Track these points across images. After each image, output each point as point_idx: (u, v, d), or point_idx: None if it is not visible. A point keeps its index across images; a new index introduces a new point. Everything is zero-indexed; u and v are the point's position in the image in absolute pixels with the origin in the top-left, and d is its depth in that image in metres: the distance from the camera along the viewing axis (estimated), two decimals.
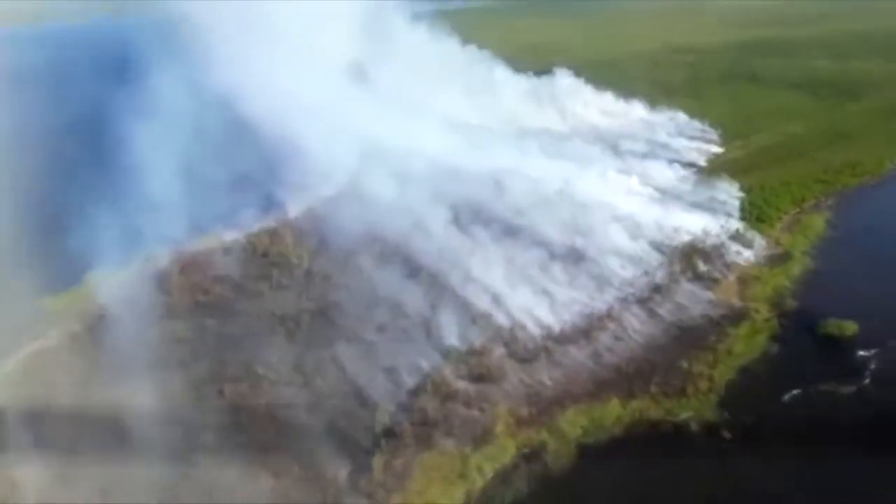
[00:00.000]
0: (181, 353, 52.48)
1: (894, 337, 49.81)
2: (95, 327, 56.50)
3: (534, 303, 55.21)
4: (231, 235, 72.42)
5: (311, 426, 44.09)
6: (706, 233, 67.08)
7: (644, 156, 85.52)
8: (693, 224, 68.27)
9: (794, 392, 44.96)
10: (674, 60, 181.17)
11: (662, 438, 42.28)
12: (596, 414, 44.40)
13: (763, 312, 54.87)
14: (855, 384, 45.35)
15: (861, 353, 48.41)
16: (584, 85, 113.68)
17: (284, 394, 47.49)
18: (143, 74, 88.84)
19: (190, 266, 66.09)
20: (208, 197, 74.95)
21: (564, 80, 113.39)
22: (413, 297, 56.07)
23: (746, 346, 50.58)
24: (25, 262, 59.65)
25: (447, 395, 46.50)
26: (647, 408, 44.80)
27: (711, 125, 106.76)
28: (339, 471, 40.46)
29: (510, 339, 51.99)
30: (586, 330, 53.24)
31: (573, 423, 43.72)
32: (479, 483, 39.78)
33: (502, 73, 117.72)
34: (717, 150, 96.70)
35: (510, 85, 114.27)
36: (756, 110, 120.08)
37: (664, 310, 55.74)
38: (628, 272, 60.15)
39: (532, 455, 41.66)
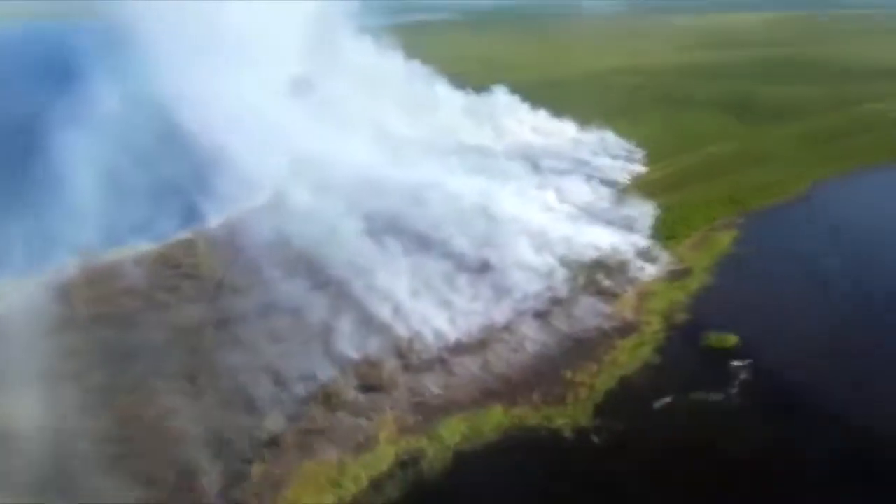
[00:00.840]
0: (74, 366, 52.01)
1: (770, 348, 52.54)
2: None
3: (434, 314, 56.47)
4: (146, 246, 72.17)
5: (195, 436, 44.29)
6: (614, 249, 69.56)
7: (564, 173, 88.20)
8: (603, 240, 70.70)
9: (666, 400, 47.05)
10: (620, 82, 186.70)
11: (536, 443, 43.76)
12: (477, 421, 45.68)
13: (653, 325, 57.19)
14: (723, 392, 47.65)
15: (735, 363, 50.84)
16: (520, 103, 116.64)
17: (174, 405, 47.54)
18: (78, 80, 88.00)
19: (97, 277, 65.66)
20: (129, 206, 74.79)
21: (501, 97, 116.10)
22: (315, 307, 56.77)
23: (630, 357, 52.63)
24: None
25: (336, 405, 47.32)
26: (527, 415, 46.27)
27: (640, 145, 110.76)
28: (215, 479, 40.73)
29: (407, 349, 53.11)
30: (483, 341, 54.69)
31: (453, 430, 44.89)
32: (352, 490, 40.49)
33: (442, 89, 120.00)
34: (641, 169, 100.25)
35: (448, 101, 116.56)
36: (685, 132, 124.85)
37: (561, 322, 57.58)
38: (533, 286, 61.91)
39: (410, 462, 42.61)
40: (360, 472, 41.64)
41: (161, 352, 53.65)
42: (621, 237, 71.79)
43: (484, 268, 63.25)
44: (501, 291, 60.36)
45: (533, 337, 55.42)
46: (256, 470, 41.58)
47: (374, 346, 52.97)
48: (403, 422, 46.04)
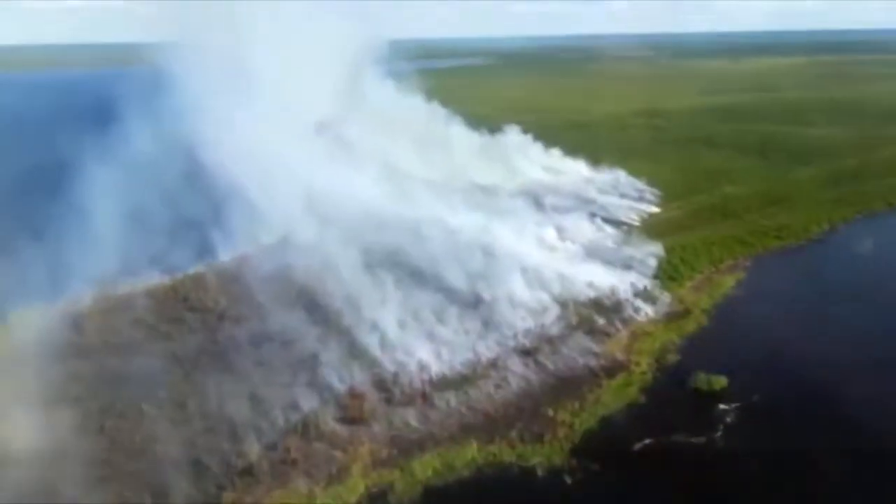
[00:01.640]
0: (76, 390, 54.23)
1: (759, 392, 51.37)
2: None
3: (422, 348, 57.14)
4: (158, 279, 75.17)
5: (176, 461, 45.52)
6: (613, 289, 69.31)
7: (567, 211, 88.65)
8: (601, 279, 70.59)
9: (646, 441, 46.31)
10: (643, 123, 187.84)
11: (508, 481, 43.53)
12: (450, 456, 45.74)
13: (642, 366, 56.60)
14: (706, 436, 46.69)
15: (722, 406, 49.87)
16: (533, 142, 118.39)
17: (161, 430, 49.03)
18: (115, 121, 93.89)
19: (110, 307, 68.52)
20: (147, 241, 78.24)
21: (513, 137, 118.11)
22: (307, 338, 58.15)
23: (615, 397, 52.11)
24: None
25: (315, 436, 48.06)
26: (502, 452, 46.12)
27: (656, 185, 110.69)
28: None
29: (391, 382, 53.73)
30: (468, 377, 54.94)
31: (426, 465, 45.03)
32: None
33: (457, 130, 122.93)
34: (652, 209, 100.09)
35: (462, 140, 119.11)
36: (703, 173, 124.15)
37: (549, 360, 57.48)
38: (524, 322, 62.18)
39: (379, 495, 42.86)
40: (329, 503, 42.00)
41: (156, 379, 55.46)
42: (620, 277, 71.52)
43: (475, 303, 63.85)
44: (491, 327, 60.78)
45: (518, 373, 55.43)
46: (227, 497, 42.39)
47: (358, 377, 53.75)
48: (378, 455, 46.43)
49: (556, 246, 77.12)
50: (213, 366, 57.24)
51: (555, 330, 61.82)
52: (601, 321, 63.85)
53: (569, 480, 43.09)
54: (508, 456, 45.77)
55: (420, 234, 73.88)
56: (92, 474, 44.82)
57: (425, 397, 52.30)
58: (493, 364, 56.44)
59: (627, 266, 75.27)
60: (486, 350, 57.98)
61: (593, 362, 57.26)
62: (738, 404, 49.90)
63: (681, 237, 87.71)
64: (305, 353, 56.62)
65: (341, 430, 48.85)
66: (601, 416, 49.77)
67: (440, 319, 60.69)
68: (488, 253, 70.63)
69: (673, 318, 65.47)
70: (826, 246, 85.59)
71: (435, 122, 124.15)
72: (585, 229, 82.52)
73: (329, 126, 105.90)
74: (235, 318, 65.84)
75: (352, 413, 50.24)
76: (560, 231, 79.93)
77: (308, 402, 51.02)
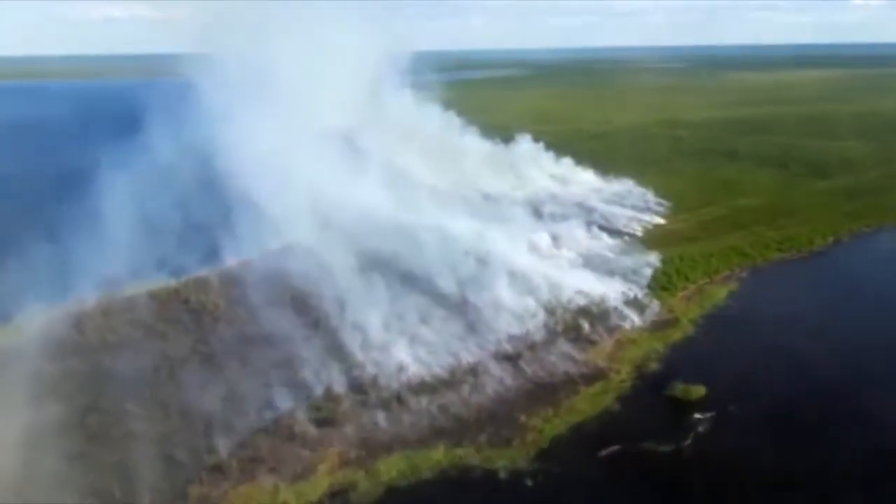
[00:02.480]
0: (67, 387, 56.33)
1: (736, 402, 50.52)
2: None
3: (403, 351, 57.73)
4: (163, 281, 77.58)
5: (149, 456, 46.97)
6: (603, 297, 68.92)
7: (566, 221, 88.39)
8: (593, 288, 70.29)
9: (613, 448, 45.98)
10: (664, 133, 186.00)
11: (470, 483, 43.70)
12: (416, 458, 46.12)
13: (622, 374, 56.18)
14: (674, 444, 46.10)
15: (696, 415, 49.18)
16: (543, 152, 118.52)
17: (140, 426, 50.60)
18: (143, 129, 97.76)
19: (113, 308, 70.90)
20: (157, 244, 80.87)
21: (524, 146, 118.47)
22: (293, 340, 59.30)
23: (590, 404, 51.83)
24: None
25: (287, 435, 49.01)
26: (468, 455, 46.32)
27: (668, 196, 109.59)
28: (156, 497, 43.06)
29: (369, 384, 54.42)
30: (446, 380, 55.27)
31: (392, 466, 45.52)
32: None
33: (470, 139, 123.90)
34: (658, 220, 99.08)
35: (474, 149, 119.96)
36: (717, 184, 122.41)
37: (529, 366, 57.45)
38: (509, 327, 62.31)
39: (340, 493, 43.51)
40: (291, 499, 42.89)
41: (144, 377, 57.28)
42: (612, 285, 71.07)
43: (462, 307, 64.23)
44: (475, 331, 61.09)
45: (497, 378, 55.54)
46: (195, 491, 43.58)
47: (337, 379, 54.62)
48: (346, 455, 47.08)
49: (550, 253, 76.99)
50: (199, 365, 58.84)
51: (539, 336, 61.80)
52: (587, 328, 63.51)
53: (530, 483, 43.02)
54: (473, 459, 45.94)
55: (417, 240, 74.79)
56: (65, 466, 46.48)
57: (400, 400, 52.82)
58: (473, 368, 56.65)
59: (622, 275, 74.78)
60: (468, 354, 58.26)
61: (573, 369, 57.04)
62: (712, 413, 49.12)
63: (682, 248, 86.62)
64: (289, 353, 57.74)
65: (313, 430, 49.63)
66: (573, 422, 49.56)
67: (425, 323, 61.23)
68: (481, 259, 71.11)
69: (660, 327, 64.84)
70: (826, 259, 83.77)
71: (449, 131, 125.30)
72: (581, 238, 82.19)
73: (342, 135, 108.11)
74: (229, 320, 67.54)
75: (325, 414, 51.07)
76: (555, 239, 79.78)
77: (284, 402, 52.03)
